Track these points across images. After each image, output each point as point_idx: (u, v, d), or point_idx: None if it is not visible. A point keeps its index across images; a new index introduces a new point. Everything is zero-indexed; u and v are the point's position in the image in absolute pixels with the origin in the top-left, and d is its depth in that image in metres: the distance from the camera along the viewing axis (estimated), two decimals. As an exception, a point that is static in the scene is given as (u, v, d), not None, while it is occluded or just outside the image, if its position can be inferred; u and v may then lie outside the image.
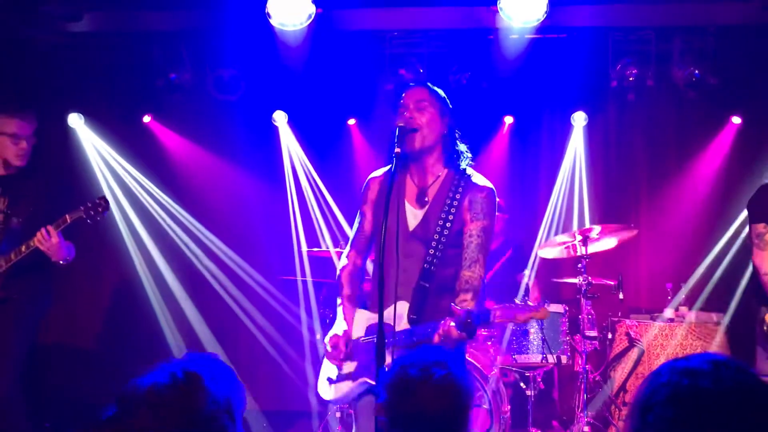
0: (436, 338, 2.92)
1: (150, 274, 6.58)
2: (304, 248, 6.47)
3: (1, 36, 5.69)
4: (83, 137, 6.50)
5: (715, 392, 1.38)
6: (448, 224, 3.14)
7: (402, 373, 2.04)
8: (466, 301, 3.04)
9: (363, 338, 3.20)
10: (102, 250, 6.48)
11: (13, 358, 4.33)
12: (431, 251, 3.12)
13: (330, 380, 3.27)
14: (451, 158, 3.21)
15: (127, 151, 6.57)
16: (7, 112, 4.45)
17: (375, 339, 3.04)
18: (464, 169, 3.23)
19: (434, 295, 3.11)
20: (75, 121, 6.41)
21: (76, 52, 6.10)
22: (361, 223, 3.38)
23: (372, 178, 3.39)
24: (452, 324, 2.87)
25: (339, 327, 3.25)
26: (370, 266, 3.70)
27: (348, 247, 3.42)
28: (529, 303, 3.01)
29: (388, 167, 3.27)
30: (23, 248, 4.28)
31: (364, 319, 3.25)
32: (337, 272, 3.41)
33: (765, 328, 4.26)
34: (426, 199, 3.20)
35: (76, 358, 6.49)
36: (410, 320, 3.07)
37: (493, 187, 3.23)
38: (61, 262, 4.35)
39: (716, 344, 5.49)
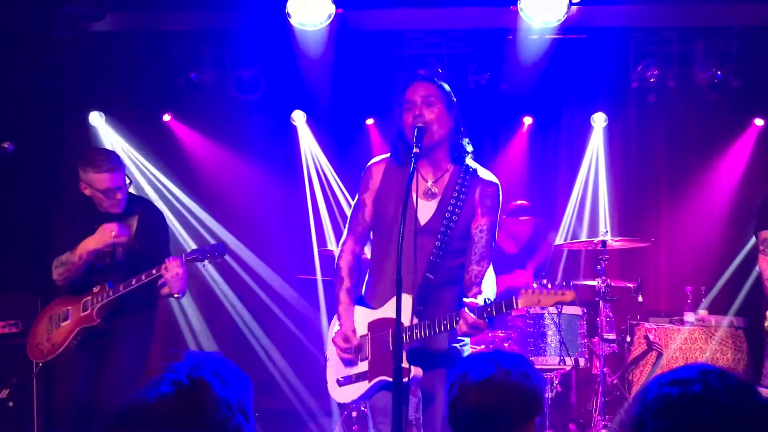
0: (459, 330, 2.96)
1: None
2: (332, 247, 6.49)
3: (24, 35, 5.75)
4: (104, 135, 6.55)
5: (706, 396, 1.41)
6: (455, 217, 3.16)
7: (490, 373, 2.02)
8: (477, 295, 3.08)
9: (371, 335, 3.19)
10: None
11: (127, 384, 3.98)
12: (437, 243, 3.14)
13: (340, 382, 3.26)
14: (457, 153, 3.23)
15: (147, 149, 6.62)
16: (95, 167, 3.97)
17: (387, 335, 3.09)
18: (468, 164, 3.25)
19: (438, 287, 3.13)
20: (96, 119, 6.46)
21: (97, 52, 6.16)
22: (361, 212, 3.32)
23: (373, 166, 3.34)
24: (471, 314, 2.92)
25: (346, 324, 3.23)
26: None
27: (345, 236, 3.36)
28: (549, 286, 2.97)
29: (388, 155, 3.30)
30: (143, 276, 3.94)
31: (362, 316, 3.24)
32: (336, 263, 3.34)
33: (766, 324, 4.26)
34: (435, 192, 3.21)
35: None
36: (416, 312, 3.07)
37: (499, 182, 3.27)
38: (176, 295, 4.01)
39: (736, 348, 5.43)
